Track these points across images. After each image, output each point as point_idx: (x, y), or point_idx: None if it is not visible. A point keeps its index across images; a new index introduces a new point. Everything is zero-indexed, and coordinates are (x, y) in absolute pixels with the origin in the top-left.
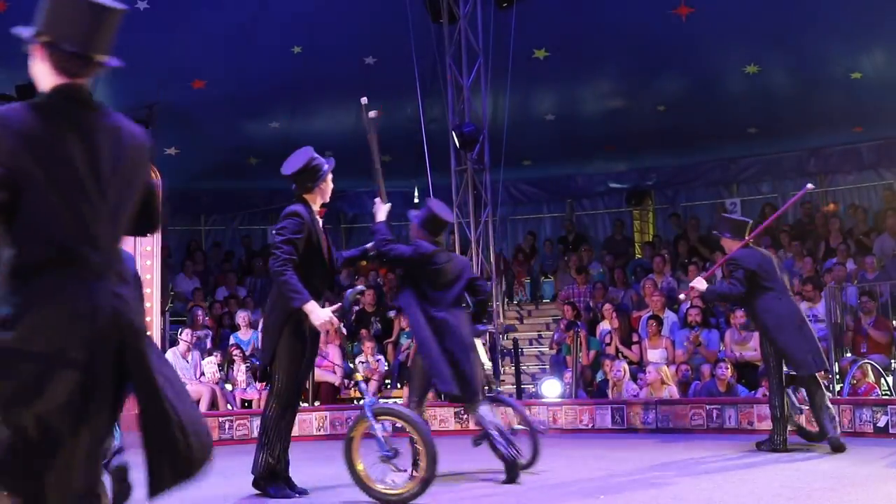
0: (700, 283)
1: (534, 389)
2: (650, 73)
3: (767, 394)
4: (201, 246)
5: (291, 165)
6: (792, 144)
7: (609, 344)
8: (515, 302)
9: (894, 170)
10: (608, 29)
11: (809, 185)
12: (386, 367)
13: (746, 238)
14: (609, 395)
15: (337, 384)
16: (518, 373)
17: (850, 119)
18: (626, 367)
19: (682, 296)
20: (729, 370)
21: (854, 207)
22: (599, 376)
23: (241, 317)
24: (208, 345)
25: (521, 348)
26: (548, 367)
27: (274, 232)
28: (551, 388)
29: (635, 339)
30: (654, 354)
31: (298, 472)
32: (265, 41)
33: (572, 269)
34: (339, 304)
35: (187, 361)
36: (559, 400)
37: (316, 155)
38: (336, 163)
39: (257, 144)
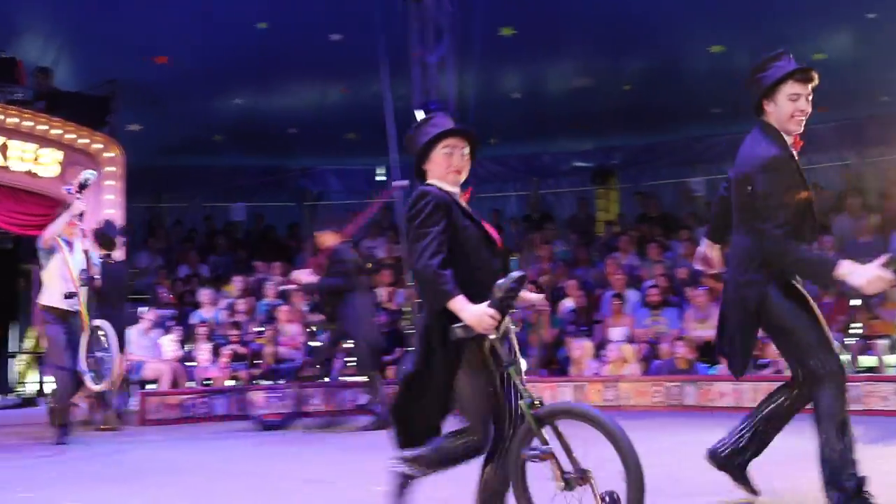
0: (304, 277)
1: None
2: (616, 52)
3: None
4: (163, 223)
5: None
6: (756, 125)
7: (572, 322)
8: None
9: (855, 150)
10: (574, 7)
11: (403, 182)
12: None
13: (343, 232)
14: (570, 373)
15: (299, 364)
16: None
17: (814, 99)
18: (589, 344)
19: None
20: (688, 348)
21: (814, 187)
22: (562, 354)
23: (204, 294)
24: (170, 323)
25: None
26: None
27: None
28: None
29: (598, 317)
30: (616, 332)
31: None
32: (229, 16)
33: (537, 247)
34: None
35: (149, 339)
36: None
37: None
38: (300, 140)
39: (221, 121)
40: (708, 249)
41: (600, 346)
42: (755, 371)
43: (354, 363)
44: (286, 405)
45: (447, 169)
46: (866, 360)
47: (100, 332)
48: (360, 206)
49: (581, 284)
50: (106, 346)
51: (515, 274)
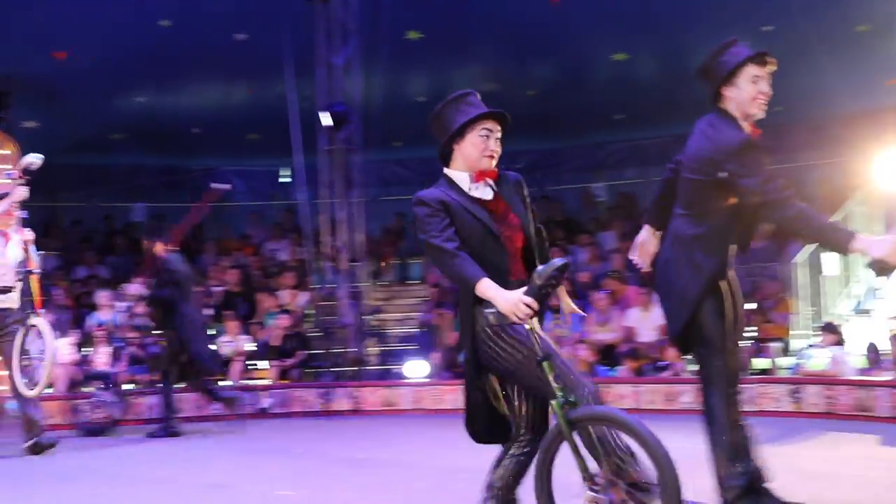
0: (133, 289)
1: (399, 370)
2: (521, 58)
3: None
4: (60, 223)
5: None
6: (657, 131)
7: None
8: (383, 283)
9: None
10: (481, 12)
11: (223, 186)
12: (254, 348)
13: (171, 242)
14: None
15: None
16: (384, 353)
17: (713, 107)
18: None
19: None
20: (589, 351)
21: None
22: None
23: (102, 296)
24: (66, 325)
25: (388, 329)
26: (414, 347)
27: None
28: (416, 369)
29: None
30: None
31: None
32: (132, 12)
33: None
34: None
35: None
36: (424, 380)
37: None
38: (203, 140)
39: (122, 119)
40: (648, 235)
41: None
42: (655, 374)
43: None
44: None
45: (482, 152)
46: (759, 363)
47: (36, 331)
48: (262, 208)
49: None
50: (42, 346)
51: (558, 261)
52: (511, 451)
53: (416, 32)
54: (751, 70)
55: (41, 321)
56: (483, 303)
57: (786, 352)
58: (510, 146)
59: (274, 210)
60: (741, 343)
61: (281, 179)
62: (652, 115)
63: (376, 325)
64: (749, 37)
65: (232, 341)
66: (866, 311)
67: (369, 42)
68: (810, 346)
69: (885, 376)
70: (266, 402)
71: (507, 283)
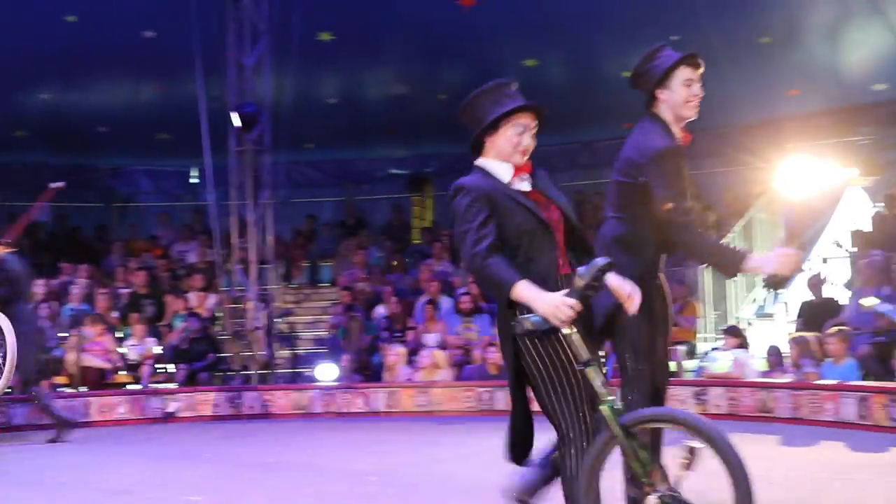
0: None
1: (310, 373)
2: (433, 61)
3: None
4: None
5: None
6: (565, 137)
7: (385, 328)
8: (293, 285)
9: None
10: (393, 15)
11: (58, 184)
12: (162, 351)
13: (5, 241)
14: (384, 379)
15: (106, 368)
16: (294, 357)
17: (620, 115)
18: (402, 350)
19: None
20: (499, 354)
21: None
22: (376, 360)
23: None
24: None
25: (298, 332)
26: (325, 350)
27: None
28: (327, 372)
29: (411, 323)
30: (429, 338)
31: None
32: (36, 7)
33: (352, 253)
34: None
35: None
36: (334, 383)
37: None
38: (110, 139)
39: (25, 116)
40: None
41: (413, 352)
42: None
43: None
44: None
45: (515, 147)
46: None
47: None
48: (171, 209)
49: (395, 291)
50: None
51: (600, 261)
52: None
53: (328, 34)
54: (684, 72)
55: (2, 318)
56: (519, 307)
57: (691, 354)
58: (421, 149)
59: (183, 211)
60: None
61: (190, 180)
62: (561, 122)
63: (286, 329)
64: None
65: (139, 344)
66: (768, 315)
67: (280, 42)
68: (714, 349)
69: (786, 378)
70: (173, 405)
71: (557, 279)
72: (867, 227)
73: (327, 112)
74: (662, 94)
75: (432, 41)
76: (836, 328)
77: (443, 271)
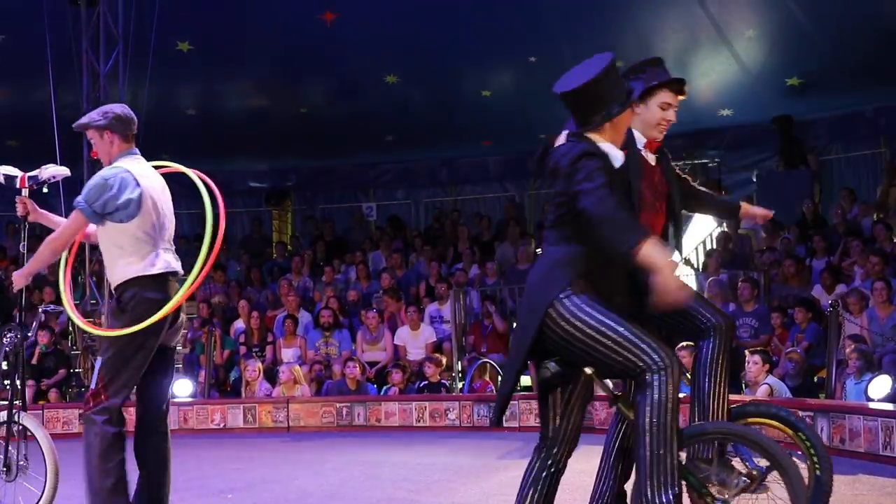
0: None
1: None
2: (294, 74)
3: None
4: None
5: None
6: (426, 154)
7: (244, 343)
8: None
9: (516, 183)
10: (253, 27)
11: None
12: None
13: None
14: (242, 395)
15: None
16: None
17: (479, 133)
18: (261, 366)
19: None
20: (358, 369)
21: (479, 217)
22: (234, 375)
23: None
24: None
25: None
26: (181, 366)
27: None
28: (182, 388)
29: (270, 338)
30: (288, 354)
31: None
32: None
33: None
34: None
35: None
36: (190, 399)
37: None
38: None
39: None
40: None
41: (272, 367)
42: (421, 392)
43: None
44: None
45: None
46: (524, 380)
47: None
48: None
49: (253, 305)
50: None
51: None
52: (540, 470)
53: (186, 44)
54: (664, 96)
55: None
56: (572, 283)
57: None
58: (280, 163)
59: (33, 222)
60: None
61: (43, 189)
62: (421, 138)
63: None
64: (514, 67)
65: None
66: None
67: (137, 51)
68: None
69: None
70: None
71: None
72: (714, 245)
73: (185, 123)
74: (637, 108)
75: (293, 54)
76: (685, 343)
77: (302, 286)
